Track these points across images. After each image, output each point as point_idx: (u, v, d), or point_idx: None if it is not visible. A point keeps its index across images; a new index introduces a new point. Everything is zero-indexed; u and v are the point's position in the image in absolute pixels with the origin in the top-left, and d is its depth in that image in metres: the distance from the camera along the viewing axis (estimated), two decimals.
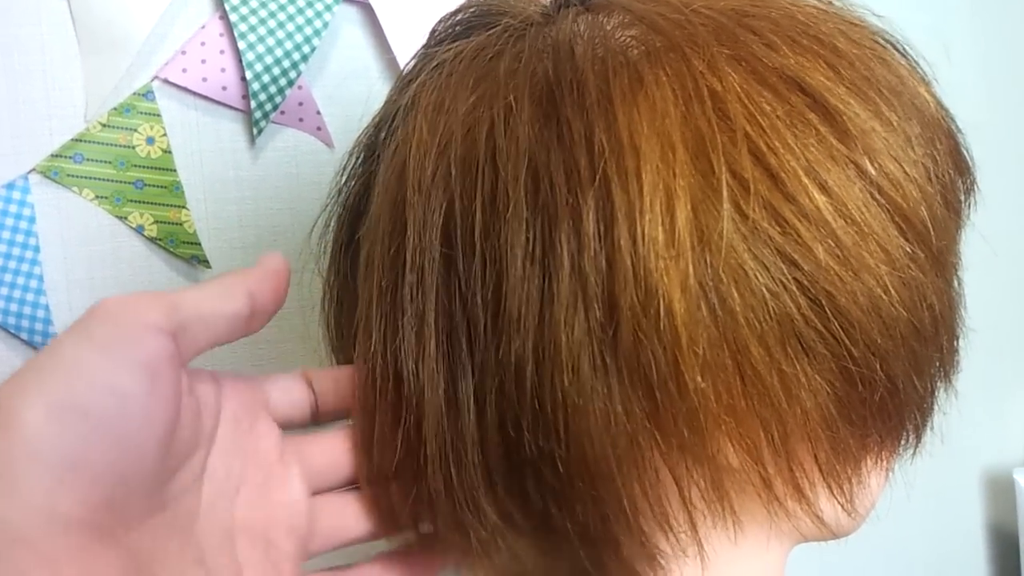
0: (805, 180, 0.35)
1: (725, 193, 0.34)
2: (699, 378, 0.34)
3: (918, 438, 0.40)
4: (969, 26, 0.88)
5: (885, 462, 0.41)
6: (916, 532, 0.90)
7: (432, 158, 0.37)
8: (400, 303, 0.37)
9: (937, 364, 0.39)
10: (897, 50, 0.40)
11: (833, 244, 0.35)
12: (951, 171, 0.40)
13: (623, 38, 0.38)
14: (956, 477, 0.93)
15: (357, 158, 0.44)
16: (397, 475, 0.38)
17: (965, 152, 0.41)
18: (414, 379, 0.37)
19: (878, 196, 0.36)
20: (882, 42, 0.40)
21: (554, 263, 0.34)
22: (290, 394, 0.40)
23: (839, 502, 0.39)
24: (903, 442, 0.40)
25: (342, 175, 0.44)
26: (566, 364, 0.34)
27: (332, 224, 0.44)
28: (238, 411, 0.37)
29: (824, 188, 0.35)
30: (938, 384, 0.40)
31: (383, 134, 0.42)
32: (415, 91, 0.40)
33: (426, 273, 0.37)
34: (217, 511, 0.35)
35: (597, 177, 0.34)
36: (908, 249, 0.36)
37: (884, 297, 0.36)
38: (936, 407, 0.40)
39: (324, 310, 0.45)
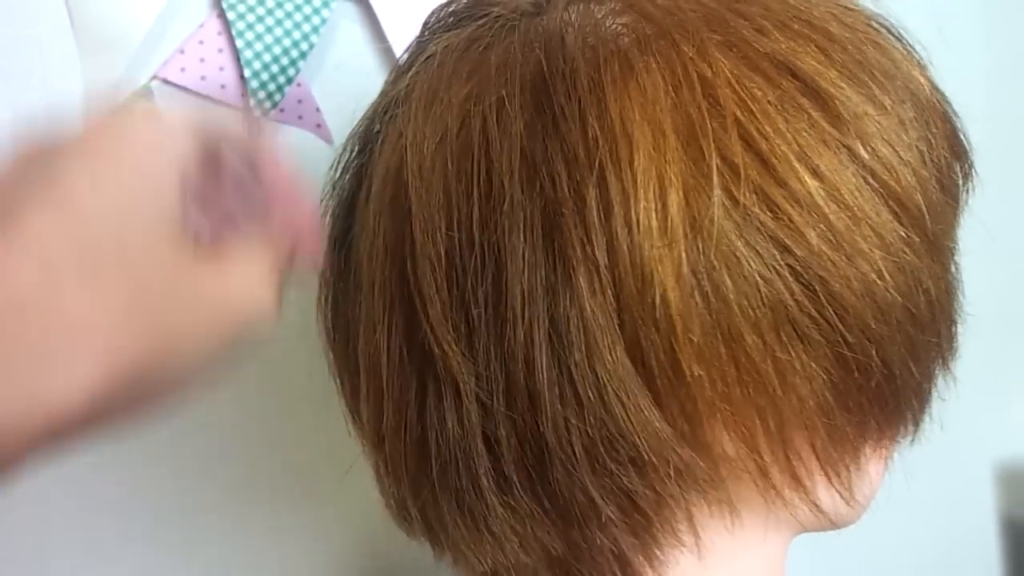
0: (796, 165, 0.35)
1: (715, 179, 0.34)
2: (695, 366, 0.34)
3: (917, 425, 0.40)
4: (967, 9, 0.87)
5: (884, 450, 0.41)
6: (926, 525, 0.89)
7: (429, 153, 0.37)
8: (403, 297, 0.37)
9: (935, 351, 0.39)
10: (892, 34, 0.40)
11: (825, 229, 0.35)
12: (947, 155, 0.39)
13: (614, 26, 0.38)
14: (967, 468, 0.92)
15: (351, 152, 0.44)
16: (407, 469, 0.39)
17: (962, 136, 0.41)
18: (413, 373, 0.37)
19: (871, 180, 0.36)
20: (876, 26, 0.40)
21: (564, 251, 0.34)
22: None
23: (837, 490, 0.39)
24: (902, 430, 0.40)
25: (336, 169, 0.44)
26: (598, 346, 0.34)
27: (327, 219, 0.44)
28: None
29: (816, 173, 0.35)
30: (936, 371, 0.39)
31: (376, 127, 0.42)
32: (409, 83, 0.40)
33: (430, 265, 0.37)
34: None
35: (594, 165, 0.34)
36: (903, 234, 0.36)
37: (878, 282, 0.35)
38: (935, 394, 0.40)
39: (321, 306, 0.45)
